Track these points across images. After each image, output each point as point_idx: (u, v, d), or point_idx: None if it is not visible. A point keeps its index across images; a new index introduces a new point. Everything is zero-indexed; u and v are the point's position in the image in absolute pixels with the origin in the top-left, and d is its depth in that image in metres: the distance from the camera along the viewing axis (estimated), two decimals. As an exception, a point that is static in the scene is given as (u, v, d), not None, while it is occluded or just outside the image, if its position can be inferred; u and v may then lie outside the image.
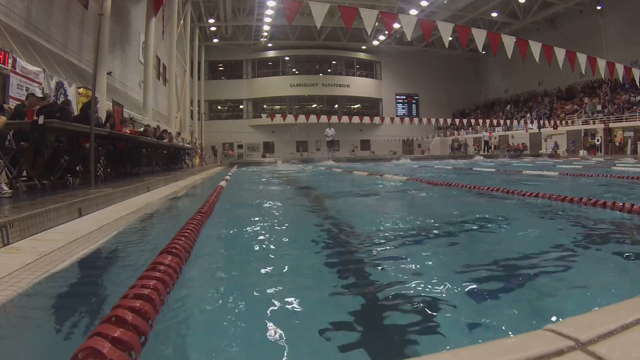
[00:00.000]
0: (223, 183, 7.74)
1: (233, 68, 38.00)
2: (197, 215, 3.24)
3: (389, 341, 1.33)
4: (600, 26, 28.10)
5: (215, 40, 34.57)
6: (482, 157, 23.29)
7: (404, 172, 10.69)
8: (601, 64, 12.28)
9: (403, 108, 41.10)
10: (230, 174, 12.30)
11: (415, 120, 31.67)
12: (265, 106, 37.91)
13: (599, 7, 27.64)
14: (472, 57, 38.58)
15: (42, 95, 6.99)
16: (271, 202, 5.29)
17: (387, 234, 3.05)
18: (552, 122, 27.14)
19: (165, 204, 5.16)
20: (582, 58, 11.94)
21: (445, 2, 28.49)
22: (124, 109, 13.00)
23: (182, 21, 22.96)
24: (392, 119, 30.76)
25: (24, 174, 5.83)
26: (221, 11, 29.59)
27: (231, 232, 3.26)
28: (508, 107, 36.07)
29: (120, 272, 2.23)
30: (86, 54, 12.44)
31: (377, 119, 31.59)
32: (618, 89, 26.43)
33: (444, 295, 1.70)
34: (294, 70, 38.26)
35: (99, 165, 7.50)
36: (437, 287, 1.80)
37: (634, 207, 3.45)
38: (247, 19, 31.10)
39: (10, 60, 7.85)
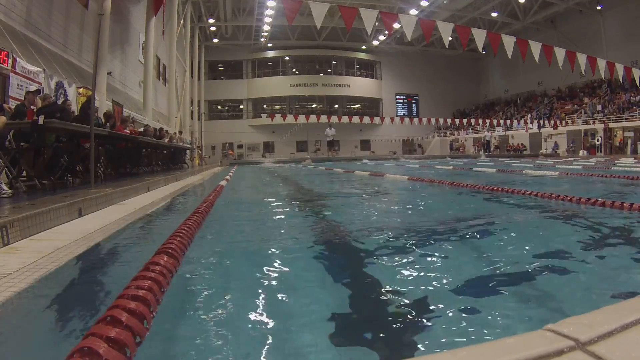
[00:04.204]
0: (223, 182, 7.74)
1: (233, 68, 38.00)
2: (193, 216, 3.24)
3: (389, 341, 1.33)
4: (600, 26, 28.10)
5: (215, 40, 34.57)
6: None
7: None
8: (601, 64, 12.28)
9: (403, 108, 41.10)
10: (230, 173, 12.30)
11: (415, 120, 31.68)
12: (265, 106, 37.90)
13: (599, 7, 27.64)
14: (472, 57, 38.58)
15: (36, 89, 6.98)
16: (268, 193, 5.28)
17: (385, 231, 3.05)
18: (552, 122, 27.14)
19: (165, 203, 5.16)
20: (582, 58, 11.94)
21: (445, 2, 28.49)
22: (124, 109, 13.01)
23: (182, 21, 22.96)
24: (392, 119, 30.78)
25: (24, 174, 5.83)
26: (221, 11, 29.59)
27: (232, 228, 3.26)
28: (516, 100, 35.90)
29: (120, 272, 2.23)
30: (86, 54, 12.44)
31: (377, 119, 31.61)
32: (618, 89, 26.43)
33: (443, 294, 1.70)
34: (294, 70, 38.26)
35: (99, 165, 7.50)
36: (436, 287, 1.80)
37: (634, 205, 3.45)
38: (247, 19, 31.10)
39: (10, 60, 7.85)
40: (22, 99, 7.04)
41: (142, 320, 1.16)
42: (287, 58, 37.84)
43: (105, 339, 0.99)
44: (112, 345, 0.98)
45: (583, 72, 17.93)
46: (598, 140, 24.36)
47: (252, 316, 1.52)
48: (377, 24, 10.99)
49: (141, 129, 10.99)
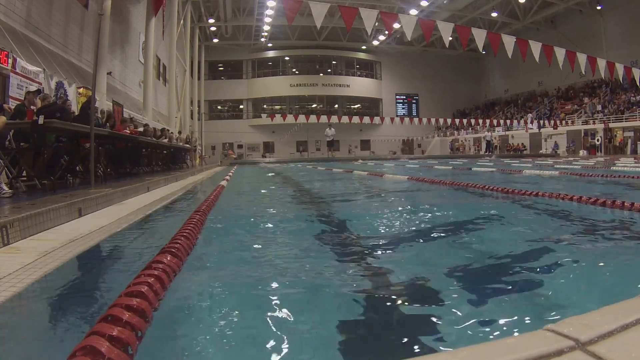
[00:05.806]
0: (224, 183, 7.74)
1: (233, 68, 38.03)
2: (195, 215, 3.24)
3: (389, 341, 1.33)
4: (600, 26, 28.12)
5: (215, 40, 34.60)
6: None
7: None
8: (601, 64, 12.30)
9: (403, 108, 41.13)
10: (230, 173, 12.30)
11: (415, 120, 31.72)
12: (265, 106, 37.93)
13: (599, 7, 27.66)
14: (472, 57, 38.60)
15: (36, 89, 6.98)
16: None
17: (385, 231, 3.05)
18: (552, 122, 27.15)
19: (165, 203, 5.16)
20: (582, 58, 11.96)
21: (445, 2, 28.51)
22: (124, 109, 13.00)
23: (182, 21, 22.97)
24: (392, 119, 30.82)
25: (24, 174, 5.83)
26: (221, 11, 29.61)
27: (233, 227, 3.26)
28: (517, 100, 35.92)
29: (119, 272, 2.23)
30: (86, 54, 12.45)
31: (377, 119, 31.66)
32: (618, 89, 26.43)
33: (443, 294, 1.70)
34: (294, 70, 38.28)
35: (99, 165, 7.50)
36: (436, 287, 1.80)
37: (634, 205, 3.45)
38: (247, 19, 31.13)
39: (10, 60, 7.85)
40: (22, 99, 7.05)
41: (143, 318, 1.16)
42: (287, 58, 37.86)
43: (108, 338, 0.99)
44: (114, 343, 0.98)
45: (583, 72, 17.96)
46: (598, 140, 24.36)
47: (251, 316, 1.52)
48: (377, 24, 11.01)
49: (141, 129, 11.00)
